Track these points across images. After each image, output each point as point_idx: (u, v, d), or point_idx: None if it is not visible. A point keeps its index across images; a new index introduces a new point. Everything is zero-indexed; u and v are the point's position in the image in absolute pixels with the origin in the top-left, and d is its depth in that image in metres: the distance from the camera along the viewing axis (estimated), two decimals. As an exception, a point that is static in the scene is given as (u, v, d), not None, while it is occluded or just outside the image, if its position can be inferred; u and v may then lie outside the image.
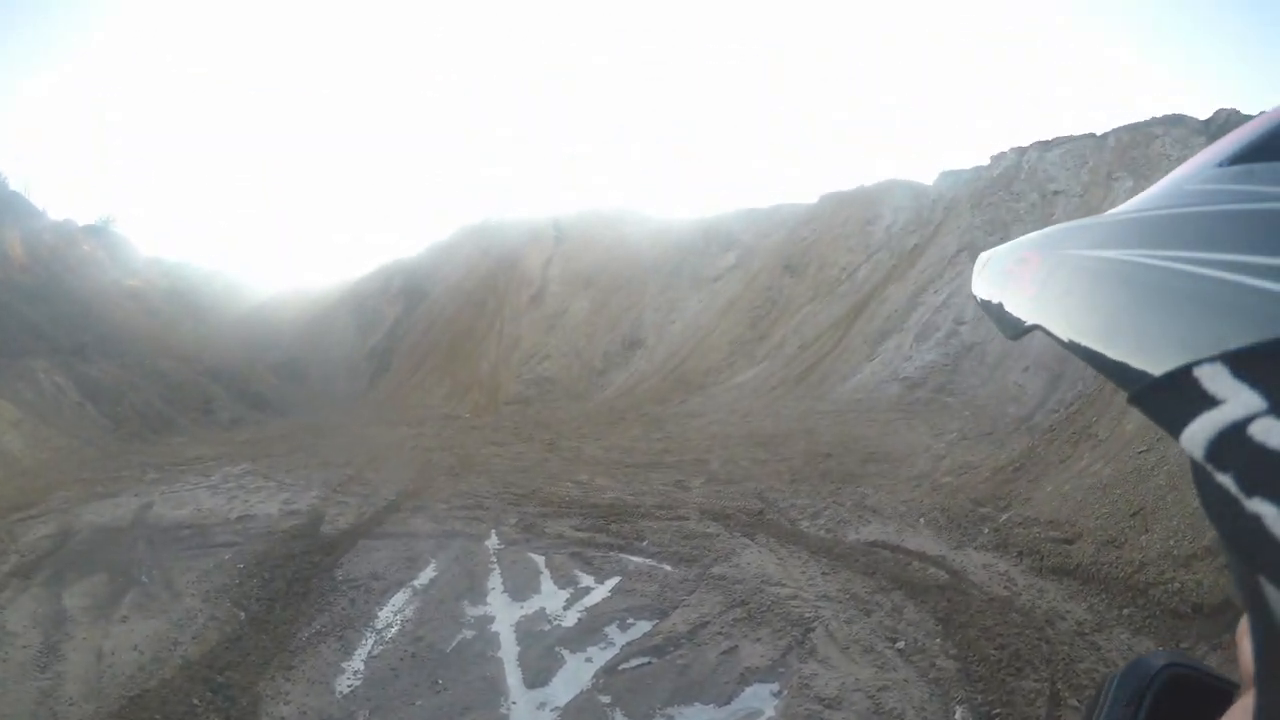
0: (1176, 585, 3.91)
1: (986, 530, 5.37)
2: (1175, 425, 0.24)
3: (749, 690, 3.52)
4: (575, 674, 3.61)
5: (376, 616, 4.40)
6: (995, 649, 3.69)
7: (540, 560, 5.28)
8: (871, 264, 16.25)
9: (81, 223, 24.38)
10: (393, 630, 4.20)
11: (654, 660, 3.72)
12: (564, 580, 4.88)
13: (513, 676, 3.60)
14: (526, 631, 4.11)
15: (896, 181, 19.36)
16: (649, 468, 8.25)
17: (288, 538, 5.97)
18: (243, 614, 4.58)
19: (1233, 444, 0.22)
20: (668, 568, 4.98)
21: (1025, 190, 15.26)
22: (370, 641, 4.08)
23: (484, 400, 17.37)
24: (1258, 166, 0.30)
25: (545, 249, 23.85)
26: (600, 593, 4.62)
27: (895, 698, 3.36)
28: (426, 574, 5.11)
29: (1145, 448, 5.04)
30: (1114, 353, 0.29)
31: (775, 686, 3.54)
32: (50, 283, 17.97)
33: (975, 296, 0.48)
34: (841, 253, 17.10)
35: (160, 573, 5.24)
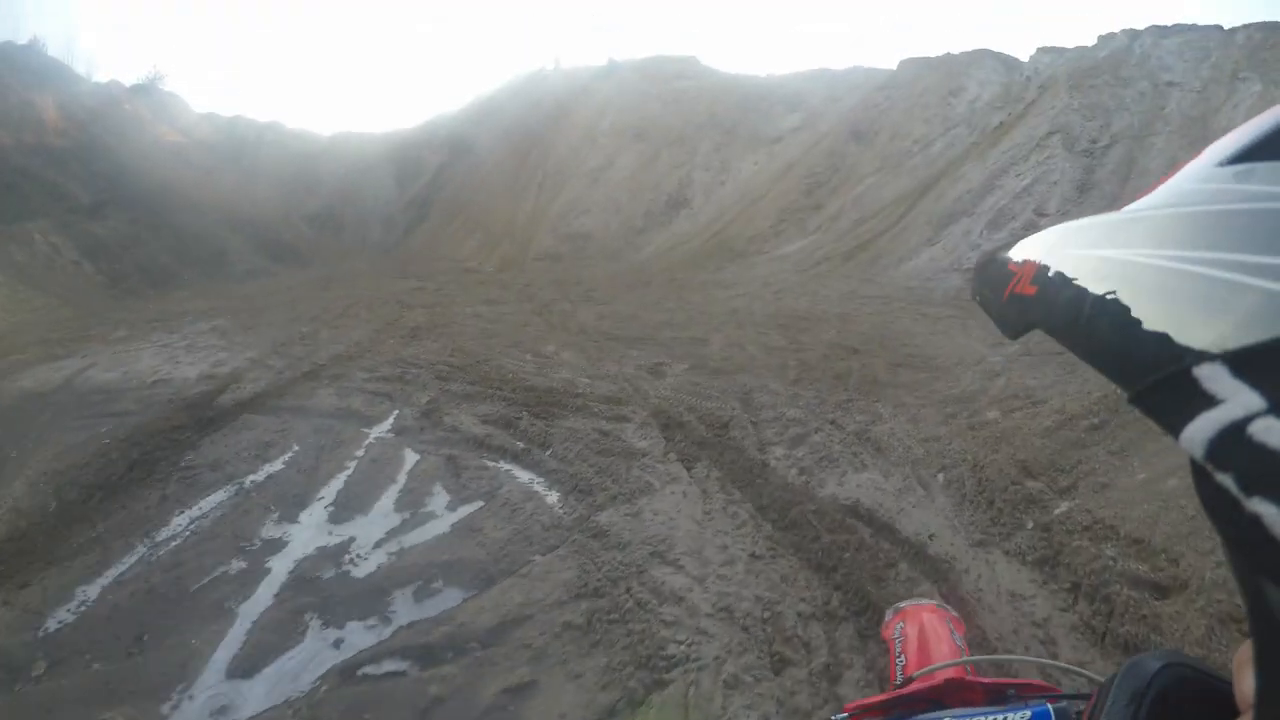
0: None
1: (1030, 526, 3.28)
2: (1175, 425, 0.24)
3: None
4: (298, 669, 2.52)
5: (167, 524, 3.50)
6: None
7: (410, 463, 4.24)
8: (949, 138, 13.64)
9: (129, 83, 23.54)
10: (163, 549, 3.31)
11: (410, 673, 2.52)
12: (411, 498, 3.81)
13: (222, 652, 2.57)
14: (300, 578, 3.07)
15: (987, 51, 16.09)
16: (634, 342, 6.91)
17: (179, 409, 5.22)
18: (54, 504, 3.85)
19: (1233, 444, 0.22)
20: (549, 498, 3.74)
21: (1134, 77, 12.58)
22: (129, 561, 3.17)
23: (513, 254, 16.45)
24: (1258, 166, 0.29)
25: (598, 100, 21.79)
26: (438, 526, 3.50)
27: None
28: (270, 468, 4.17)
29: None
30: (1114, 352, 0.29)
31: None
32: (86, 145, 17.01)
33: (975, 297, 0.48)
34: (917, 123, 14.46)
35: (29, 447, 4.62)
